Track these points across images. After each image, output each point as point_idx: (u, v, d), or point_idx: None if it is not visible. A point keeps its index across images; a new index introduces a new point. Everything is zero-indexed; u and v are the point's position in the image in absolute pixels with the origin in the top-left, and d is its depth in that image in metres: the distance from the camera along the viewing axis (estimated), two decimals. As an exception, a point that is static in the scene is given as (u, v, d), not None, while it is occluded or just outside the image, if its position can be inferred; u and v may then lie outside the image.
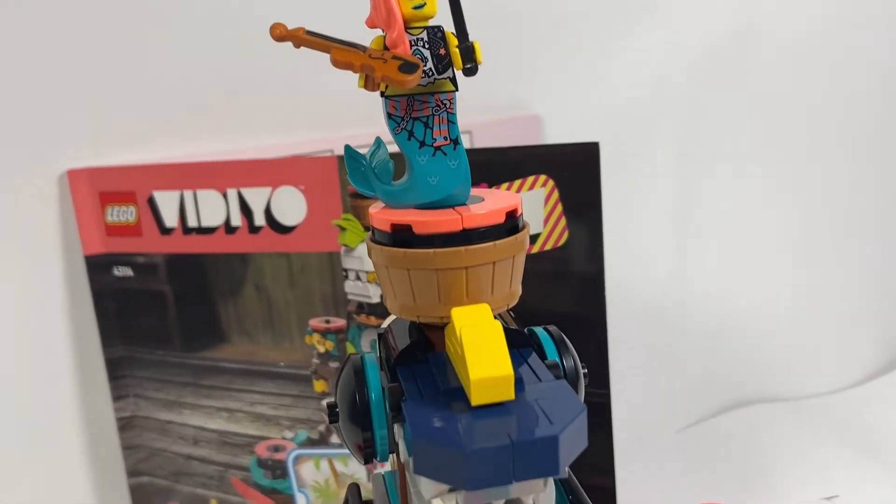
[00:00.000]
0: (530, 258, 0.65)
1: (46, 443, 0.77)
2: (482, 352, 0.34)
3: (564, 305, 0.60)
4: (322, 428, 0.69)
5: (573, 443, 0.33)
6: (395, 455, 0.41)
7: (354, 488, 0.45)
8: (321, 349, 0.67)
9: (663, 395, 0.93)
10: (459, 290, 0.37)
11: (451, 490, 0.34)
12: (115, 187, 0.69)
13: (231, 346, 0.70)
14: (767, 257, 0.96)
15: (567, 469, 0.47)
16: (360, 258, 0.64)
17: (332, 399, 0.42)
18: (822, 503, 0.85)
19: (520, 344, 0.40)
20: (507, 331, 0.39)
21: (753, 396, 0.99)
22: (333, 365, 0.67)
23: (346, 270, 0.65)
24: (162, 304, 0.71)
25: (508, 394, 0.33)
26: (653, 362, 0.91)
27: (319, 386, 0.68)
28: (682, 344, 0.93)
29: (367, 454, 0.39)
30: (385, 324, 0.43)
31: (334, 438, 0.70)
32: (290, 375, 0.69)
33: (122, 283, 0.71)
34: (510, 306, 0.39)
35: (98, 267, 0.71)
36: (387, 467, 0.46)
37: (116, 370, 0.74)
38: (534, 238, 0.59)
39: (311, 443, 0.70)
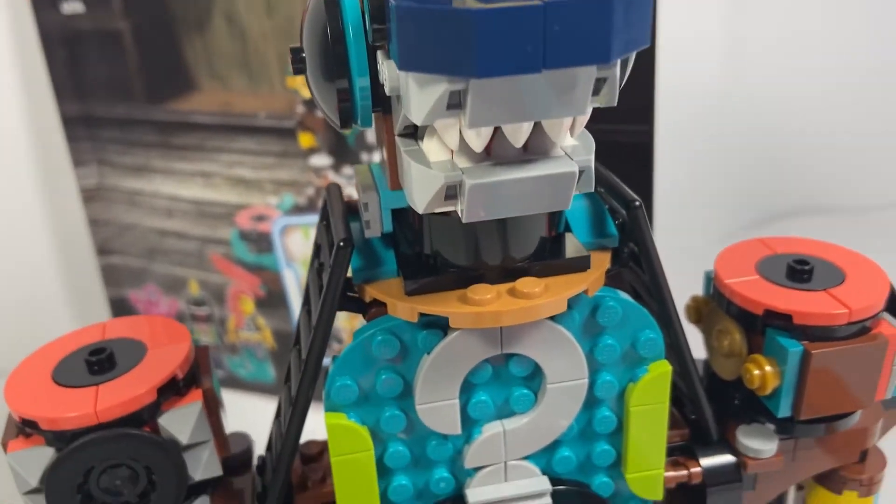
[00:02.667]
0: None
1: (3, 221, 0.69)
2: None
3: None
4: (311, 191, 0.60)
5: (631, 25, 0.22)
6: (380, 118, 0.31)
7: (335, 189, 0.35)
8: (307, 93, 0.57)
9: (714, 196, 0.82)
10: None
11: (451, 107, 0.24)
12: None
13: (202, 95, 0.60)
14: (831, 55, 0.82)
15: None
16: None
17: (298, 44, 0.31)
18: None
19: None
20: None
21: (809, 205, 0.89)
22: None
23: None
24: (119, 46, 0.60)
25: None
26: (705, 162, 0.79)
27: (306, 140, 0.58)
28: (735, 145, 0.81)
29: (345, 112, 0.29)
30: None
31: (325, 204, 0.61)
32: (271, 129, 0.59)
33: (73, 22, 0.60)
34: None
35: (43, 0, 0.60)
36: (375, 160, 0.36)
37: (74, 131, 0.64)
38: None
39: (298, 210, 0.61)
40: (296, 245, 0.62)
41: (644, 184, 0.51)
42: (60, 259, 0.71)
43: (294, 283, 0.64)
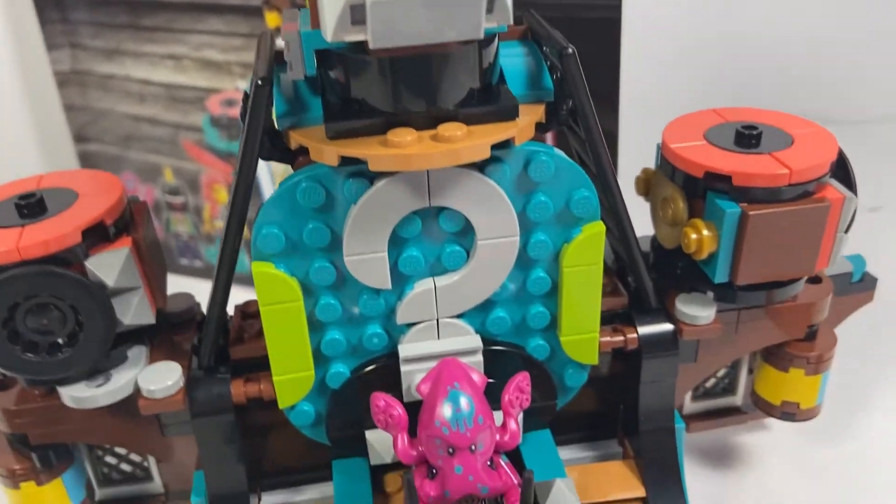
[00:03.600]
0: None
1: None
2: None
3: None
4: (279, 75, 0.59)
5: None
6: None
7: (266, 36, 0.34)
8: (273, -30, 0.55)
9: (687, 81, 0.79)
10: None
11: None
12: None
13: (168, -28, 0.58)
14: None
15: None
16: None
17: None
18: (866, 212, 0.77)
19: None
20: None
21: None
22: (289, -9, 0.55)
23: None
24: (84, -80, 0.58)
25: None
26: (679, 44, 0.76)
27: (273, 20, 0.57)
28: (715, 31, 0.77)
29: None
30: None
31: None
32: (238, 8, 0.58)
33: None
34: None
35: None
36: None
37: (46, 13, 0.63)
38: None
39: (267, 94, 0.60)
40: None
41: (611, 63, 0.49)
42: (39, 146, 0.71)
43: (266, 172, 0.63)
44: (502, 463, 0.33)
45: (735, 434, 0.50)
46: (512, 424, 0.33)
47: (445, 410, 0.31)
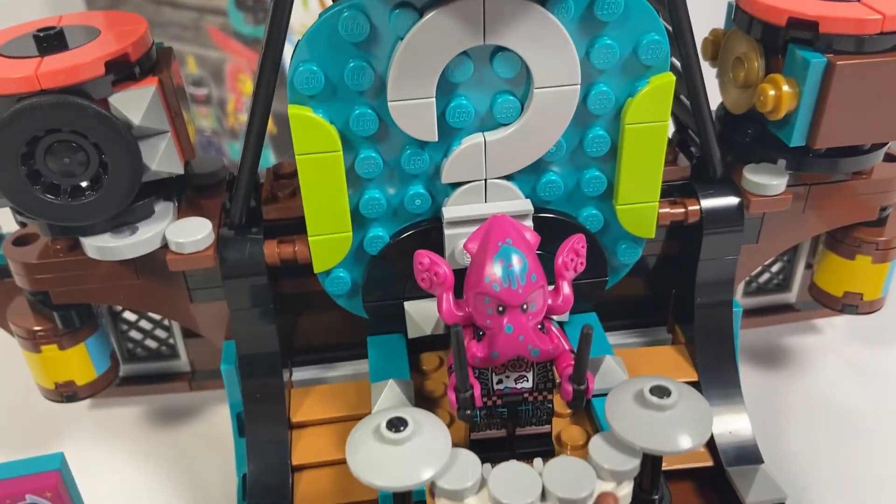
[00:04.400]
0: None
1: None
2: None
3: None
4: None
5: None
6: None
7: None
8: None
9: None
10: None
11: None
12: None
13: None
14: None
15: None
16: None
17: None
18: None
19: None
20: None
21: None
22: None
23: None
24: None
25: None
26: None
27: None
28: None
29: None
30: None
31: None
32: None
33: None
34: None
35: None
36: None
37: None
38: None
39: (297, -27, 0.56)
40: (294, 14, 0.58)
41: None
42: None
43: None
44: (553, 328, 0.30)
45: (784, 335, 0.48)
46: (565, 288, 0.30)
47: (496, 267, 0.28)
